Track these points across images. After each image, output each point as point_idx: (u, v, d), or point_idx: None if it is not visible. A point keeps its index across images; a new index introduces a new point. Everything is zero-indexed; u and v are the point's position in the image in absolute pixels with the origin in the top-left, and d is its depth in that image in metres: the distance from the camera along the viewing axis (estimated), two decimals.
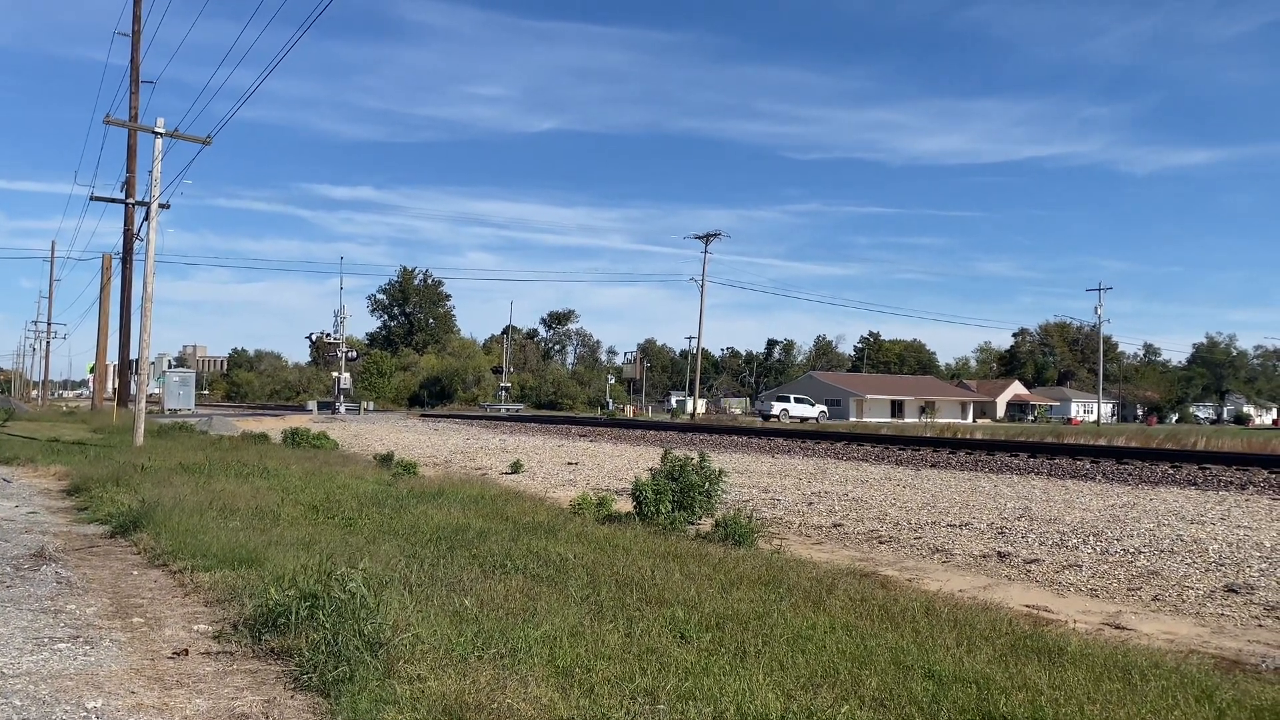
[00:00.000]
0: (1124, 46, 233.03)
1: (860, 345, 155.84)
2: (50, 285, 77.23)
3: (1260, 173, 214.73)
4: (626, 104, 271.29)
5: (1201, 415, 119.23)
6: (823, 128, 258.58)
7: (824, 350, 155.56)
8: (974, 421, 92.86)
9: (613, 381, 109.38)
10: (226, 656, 5.46)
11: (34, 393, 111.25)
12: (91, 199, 37.16)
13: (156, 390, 57.45)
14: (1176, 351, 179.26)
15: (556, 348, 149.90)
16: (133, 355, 41.67)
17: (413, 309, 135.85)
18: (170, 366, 63.73)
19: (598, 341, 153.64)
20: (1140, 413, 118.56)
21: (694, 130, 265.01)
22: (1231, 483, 17.92)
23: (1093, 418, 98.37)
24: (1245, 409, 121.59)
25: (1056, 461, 22.54)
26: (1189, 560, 9.95)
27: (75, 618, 6.33)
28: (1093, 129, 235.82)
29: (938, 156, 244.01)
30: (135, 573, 7.98)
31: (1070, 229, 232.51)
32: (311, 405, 74.80)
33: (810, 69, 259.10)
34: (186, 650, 5.56)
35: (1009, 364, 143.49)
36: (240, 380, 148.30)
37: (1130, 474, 19.75)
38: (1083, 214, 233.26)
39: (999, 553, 10.53)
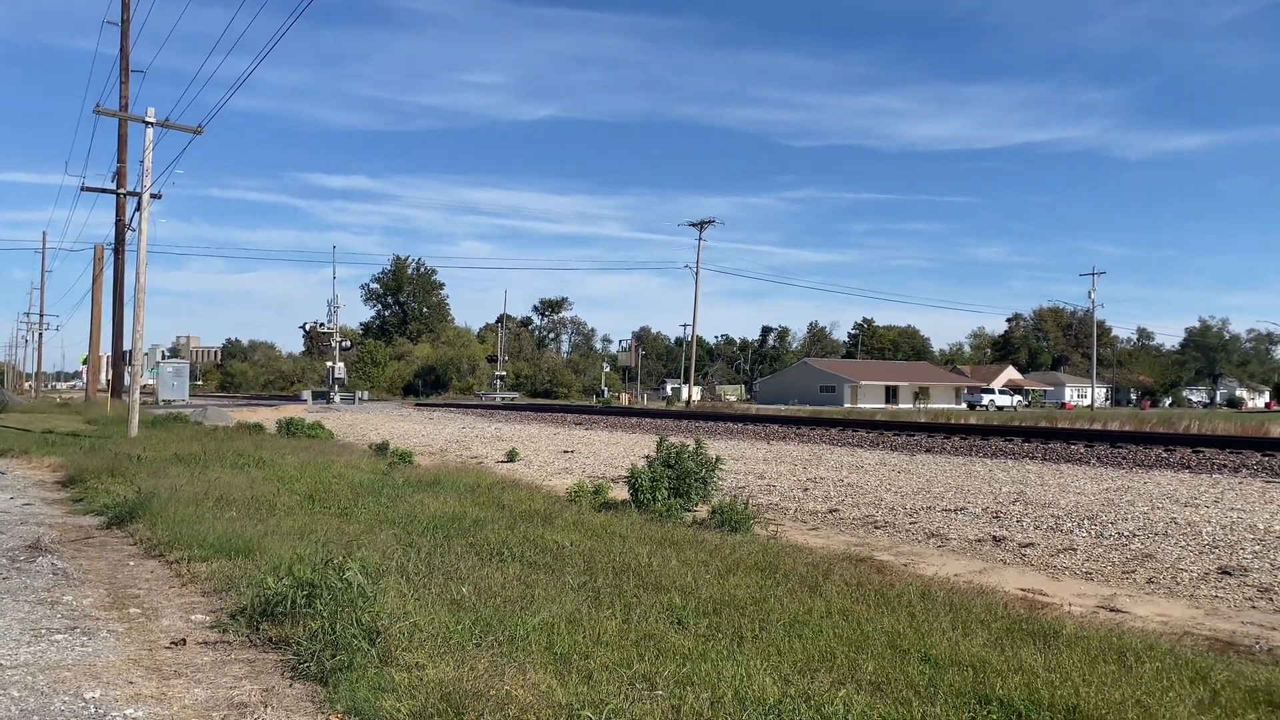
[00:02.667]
0: (1121, 31, 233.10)
1: (854, 331, 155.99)
2: (42, 277, 77.09)
3: (1255, 157, 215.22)
4: (623, 91, 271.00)
5: (1195, 399, 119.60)
6: (819, 114, 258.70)
7: (818, 337, 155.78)
8: (968, 407, 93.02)
9: (608, 369, 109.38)
10: (224, 646, 5.46)
11: (27, 384, 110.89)
12: (83, 189, 37.04)
13: (150, 381, 57.34)
14: (1170, 336, 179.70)
15: (551, 336, 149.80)
16: (126, 346, 41.52)
17: (406, 298, 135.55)
18: (164, 357, 63.59)
19: (592, 330, 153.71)
20: (1134, 397, 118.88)
21: (690, 117, 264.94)
22: (1225, 465, 18.00)
23: (1086, 402, 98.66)
24: (1238, 392, 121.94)
25: (1051, 446, 22.60)
26: (1183, 543, 10.00)
27: (72, 609, 6.32)
28: (1088, 114, 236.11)
29: (933, 142, 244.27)
30: (132, 563, 7.98)
31: (1065, 214, 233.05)
32: (306, 395, 74.68)
33: (807, 55, 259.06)
34: (184, 640, 5.56)
35: (1003, 349, 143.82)
36: (234, 370, 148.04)
37: (1124, 458, 19.82)
38: (1078, 199, 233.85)
39: (994, 537, 10.57)
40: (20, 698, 4.50)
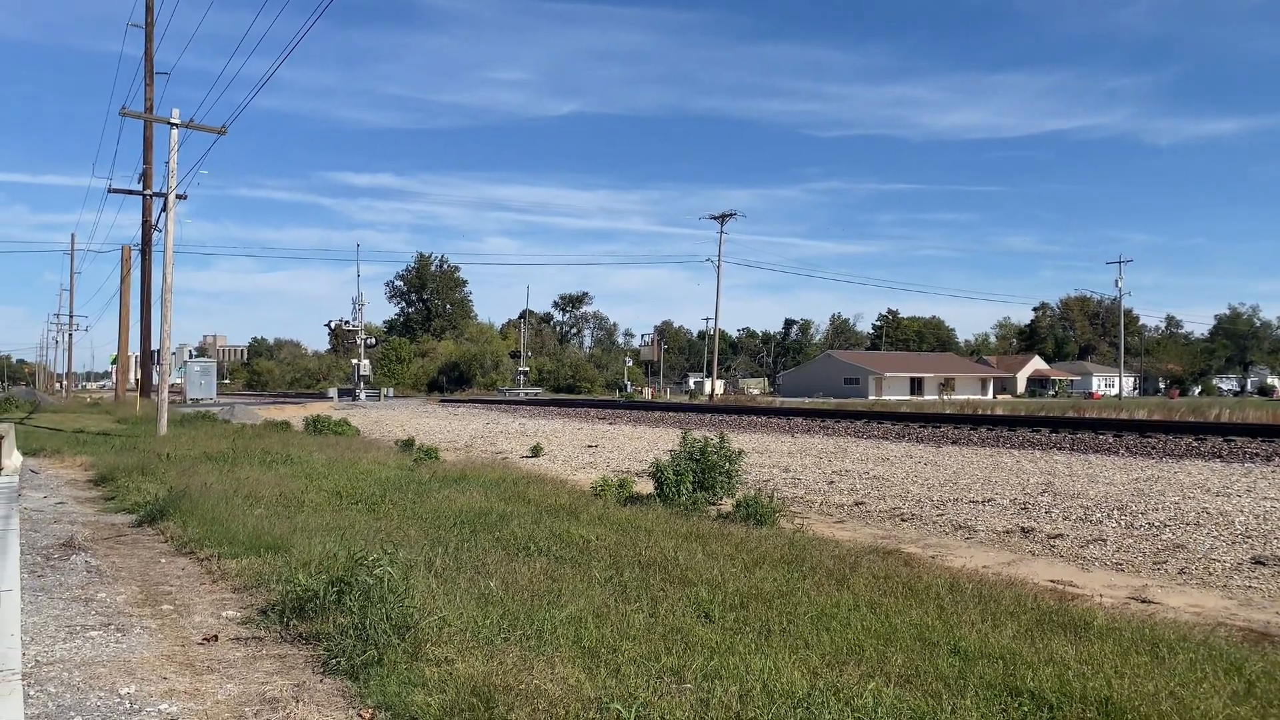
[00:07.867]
0: (1150, 16, 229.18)
1: (878, 323, 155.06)
2: (71, 278, 78.12)
3: None
4: (647, 85, 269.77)
5: (1224, 387, 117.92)
6: (844, 105, 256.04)
7: (841, 329, 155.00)
8: (994, 398, 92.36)
9: (630, 364, 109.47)
10: (255, 642, 5.52)
11: (58, 385, 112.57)
12: (110, 191, 37.37)
13: (178, 380, 57.98)
14: (1199, 324, 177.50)
15: (573, 331, 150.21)
16: (154, 346, 41.96)
17: (430, 295, 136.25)
18: (191, 356, 64.33)
19: (614, 324, 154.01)
20: (1162, 386, 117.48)
21: (714, 110, 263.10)
22: (1257, 454, 17.77)
23: (1114, 392, 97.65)
24: (1269, 380, 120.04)
25: (1079, 436, 22.40)
26: (1215, 533, 9.88)
27: (106, 606, 6.41)
28: (1117, 100, 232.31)
29: (960, 131, 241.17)
30: (163, 561, 8.08)
31: (1093, 202, 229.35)
32: (332, 392, 75.32)
33: (831, 46, 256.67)
34: (216, 636, 5.63)
35: (1029, 339, 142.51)
36: (261, 369, 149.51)
37: (1153, 447, 19.61)
38: (1106, 187, 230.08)
39: (1022, 528, 10.49)
40: (57, 694, 4.56)
